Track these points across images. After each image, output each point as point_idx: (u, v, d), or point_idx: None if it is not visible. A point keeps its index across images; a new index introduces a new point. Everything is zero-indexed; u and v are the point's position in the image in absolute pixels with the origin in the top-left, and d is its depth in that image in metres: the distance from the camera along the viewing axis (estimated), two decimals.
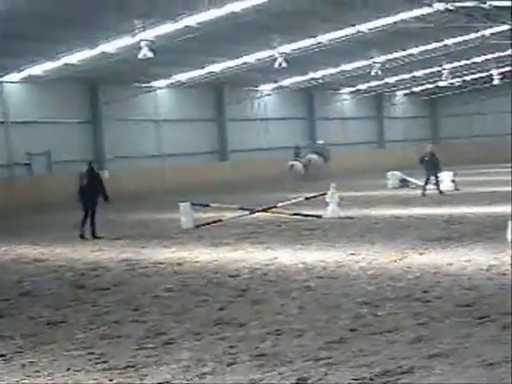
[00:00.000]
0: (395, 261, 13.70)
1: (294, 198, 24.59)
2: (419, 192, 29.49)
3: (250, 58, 39.04)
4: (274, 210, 23.14)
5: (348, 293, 11.08)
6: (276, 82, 48.77)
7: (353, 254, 14.82)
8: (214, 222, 21.80)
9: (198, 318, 10.01)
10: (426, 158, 29.72)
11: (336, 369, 7.39)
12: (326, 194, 22.74)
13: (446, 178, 31.67)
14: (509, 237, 12.75)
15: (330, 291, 11.31)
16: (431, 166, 29.34)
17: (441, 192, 29.27)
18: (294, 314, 9.97)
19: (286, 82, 49.42)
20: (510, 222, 12.93)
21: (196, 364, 7.84)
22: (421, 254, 14.45)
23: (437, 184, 29.63)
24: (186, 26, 28.85)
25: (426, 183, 29.61)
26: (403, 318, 9.36)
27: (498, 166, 49.81)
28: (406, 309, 9.84)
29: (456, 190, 30.88)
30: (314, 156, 48.75)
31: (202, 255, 16.01)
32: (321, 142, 51.72)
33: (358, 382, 6.97)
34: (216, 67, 40.49)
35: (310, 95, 54.58)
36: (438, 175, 29.81)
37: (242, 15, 28.92)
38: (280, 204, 23.20)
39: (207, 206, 23.64)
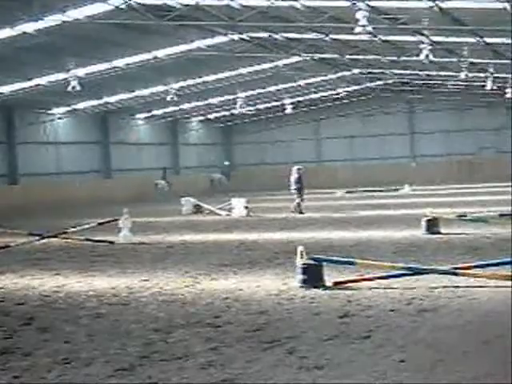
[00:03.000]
0: (187, 286, 13.70)
1: (87, 224, 24.13)
2: (214, 217, 29.89)
3: (42, 80, 38.18)
4: (65, 235, 22.60)
5: (139, 319, 10.92)
6: (69, 105, 47.94)
7: (145, 280, 14.67)
8: (1, 247, 20.94)
9: None
10: (297, 180, 31.58)
11: None
12: (118, 219, 22.51)
13: (238, 205, 32.28)
14: (298, 262, 13.05)
15: (120, 318, 11.11)
16: (300, 187, 31.36)
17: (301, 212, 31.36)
18: (82, 341, 9.69)
19: (80, 106, 48.72)
20: (299, 248, 13.24)
21: None
22: (212, 279, 14.52)
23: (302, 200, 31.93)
24: None
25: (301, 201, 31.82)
26: (194, 343, 9.33)
27: (288, 193, 51.39)
28: (196, 334, 9.83)
29: (248, 216, 31.49)
30: (219, 175, 61.60)
31: None
32: (227, 163, 62.64)
33: None
34: (5, 89, 39.27)
35: (104, 119, 54.01)
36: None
37: (34, 36, 28.27)
38: (71, 229, 22.70)
39: None
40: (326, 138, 66.52)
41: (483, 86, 45.03)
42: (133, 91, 45.96)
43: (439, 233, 21.16)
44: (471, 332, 9.45)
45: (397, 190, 48.22)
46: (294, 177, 31.66)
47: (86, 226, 23.32)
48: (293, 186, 31.63)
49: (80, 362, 8.60)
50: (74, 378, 7.92)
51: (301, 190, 31.53)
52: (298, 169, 31.88)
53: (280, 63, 41.95)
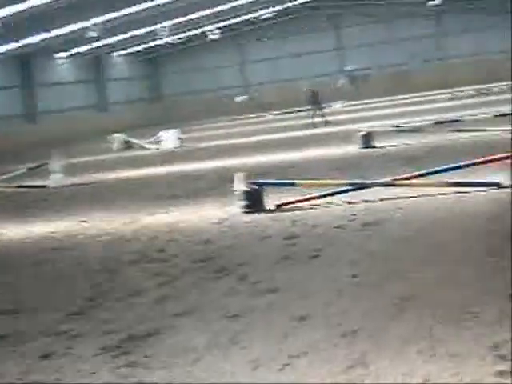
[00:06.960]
0: (127, 224, 13.46)
1: (17, 170, 23.57)
2: (145, 152, 29.67)
3: None
4: None
5: (82, 262, 10.69)
6: None
7: (83, 222, 14.36)
8: None
9: None
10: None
11: (80, 341, 7.07)
12: (47, 163, 22.02)
13: (168, 137, 31.88)
14: (237, 188, 12.91)
15: (63, 263, 10.85)
16: (314, 102, 34.40)
17: (327, 122, 33.06)
18: (27, 290, 9.44)
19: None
20: (237, 174, 13.08)
21: None
22: (153, 214, 14.31)
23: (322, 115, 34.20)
24: None
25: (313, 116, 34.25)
26: (143, 280, 9.18)
27: (219, 120, 51.14)
28: (144, 270, 9.67)
29: (181, 147, 31.14)
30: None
31: None
32: (349, 68, 57.33)
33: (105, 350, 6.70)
34: None
35: (26, 62, 52.51)
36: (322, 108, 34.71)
37: None
38: (1, 177, 22.14)
39: None
40: (251, 61, 65.99)
41: None
42: (52, 30, 44.70)
43: (375, 147, 21.15)
44: (417, 241, 9.48)
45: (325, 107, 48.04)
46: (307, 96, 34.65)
47: (16, 173, 22.78)
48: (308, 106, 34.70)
49: (28, 312, 8.37)
50: (23, 328, 7.71)
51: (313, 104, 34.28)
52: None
53: None
